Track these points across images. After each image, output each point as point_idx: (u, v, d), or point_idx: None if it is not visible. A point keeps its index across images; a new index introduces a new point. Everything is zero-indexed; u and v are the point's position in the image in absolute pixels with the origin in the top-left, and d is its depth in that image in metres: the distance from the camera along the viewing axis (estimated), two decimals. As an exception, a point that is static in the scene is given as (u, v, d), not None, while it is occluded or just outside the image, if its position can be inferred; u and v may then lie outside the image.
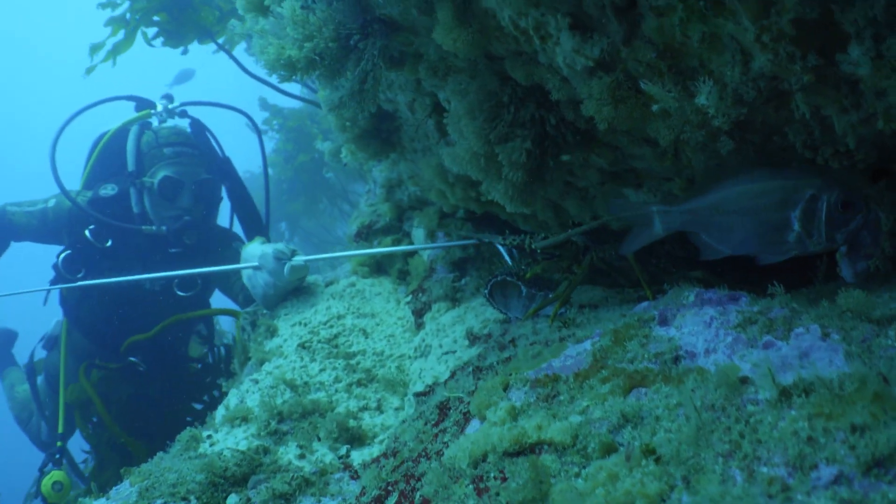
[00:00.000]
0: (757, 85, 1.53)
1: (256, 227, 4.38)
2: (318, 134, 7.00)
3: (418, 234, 2.96)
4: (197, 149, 4.19)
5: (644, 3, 1.51)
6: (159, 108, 4.44)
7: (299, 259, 3.00)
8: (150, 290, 4.21)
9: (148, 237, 4.06)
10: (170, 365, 4.31)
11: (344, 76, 1.99)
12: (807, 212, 1.63)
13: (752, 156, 1.74)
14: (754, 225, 1.69)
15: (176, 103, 4.49)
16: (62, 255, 4.15)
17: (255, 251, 3.22)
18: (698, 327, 1.54)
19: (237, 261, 3.79)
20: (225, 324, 5.23)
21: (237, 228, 4.50)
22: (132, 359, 4.17)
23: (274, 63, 1.89)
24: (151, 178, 4.07)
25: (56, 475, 3.77)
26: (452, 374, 2.12)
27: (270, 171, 8.78)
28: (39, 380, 4.72)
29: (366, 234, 3.22)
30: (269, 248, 3.09)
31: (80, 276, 4.09)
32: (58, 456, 4.01)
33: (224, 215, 4.53)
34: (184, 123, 4.40)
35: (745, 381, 1.31)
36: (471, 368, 2.05)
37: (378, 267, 3.11)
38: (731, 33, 1.46)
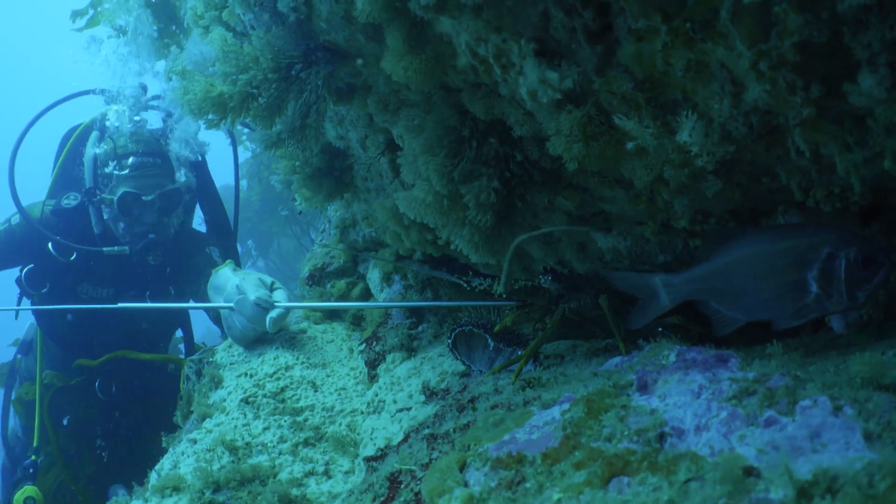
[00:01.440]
0: (748, 120, 1.27)
1: (223, 237, 3.96)
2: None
3: (374, 276, 2.65)
4: (160, 156, 3.64)
5: (621, 26, 1.24)
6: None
7: (281, 308, 2.49)
8: (118, 299, 3.75)
9: (111, 257, 3.58)
10: (130, 392, 3.89)
11: (284, 113, 1.69)
12: (825, 271, 1.37)
13: (738, 199, 1.47)
14: (769, 289, 1.43)
15: (149, 95, 3.95)
16: (25, 270, 3.74)
17: (228, 284, 2.67)
18: (685, 398, 1.26)
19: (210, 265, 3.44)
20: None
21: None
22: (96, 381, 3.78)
23: (201, 103, 1.58)
24: (111, 194, 3.55)
25: (28, 490, 3.43)
26: (406, 437, 1.81)
27: (243, 182, 8.18)
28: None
29: (318, 277, 2.91)
30: (248, 288, 2.53)
31: (44, 290, 3.71)
32: (31, 470, 3.61)
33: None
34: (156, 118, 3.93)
35: (750, 472, 1.02)
36: (426, 432, 1.74)
37: (332, 312, 2.80)
38: (722, 60, 1.20)
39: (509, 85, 1.46)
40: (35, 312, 3.84)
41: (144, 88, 3.97)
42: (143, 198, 3.50)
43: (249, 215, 7.76)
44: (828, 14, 1.07)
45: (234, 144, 4.31)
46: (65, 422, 3.86)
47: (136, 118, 3.83)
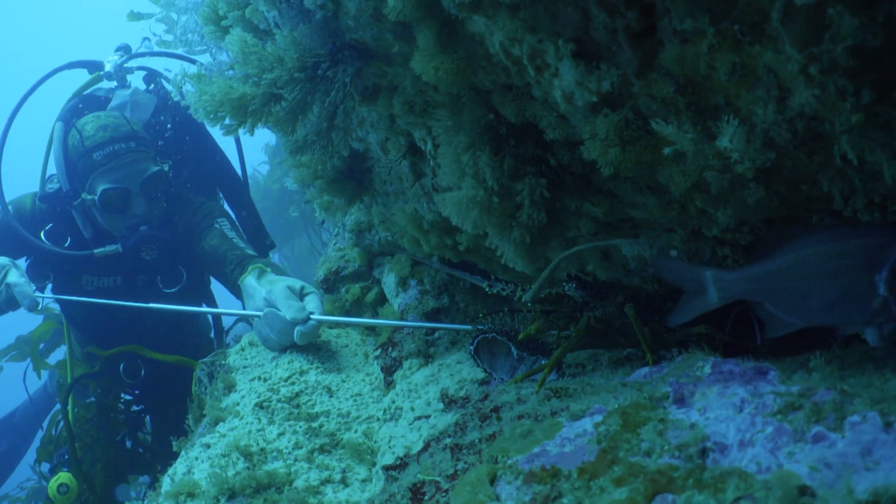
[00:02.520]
0: (793, 126, 1.22)
1: (251, 226, 3.68)
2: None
3: (389, 281, 2.60)
4: (133, 138, 3.28)
5: (665, 28, 1.19)
6: (108, 67, 3.67)
7: (313, 324, 2.35)
8: (136, 289, 3.59)
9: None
10: (158, 376, 3.74)
11: (308, 116, 1.63)
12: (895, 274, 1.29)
13: (776, 206, 1.42)
14: (832, 291, 1.35)
15: (125, 57, 3.70)
16: (26, 266, 3.54)
17: (255, 296, 2.51)
18: (727, 412, 1.20)
19: (219, 246, 3.28)
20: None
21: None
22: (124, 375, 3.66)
23: (219, 105, 1.51)
24: (91, 193, 3.27)
25: (63, 477, 3.31)
26: (426, 446, 1.76)
27: (265, 168, 7.77)
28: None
29: (333, 281, 2.85)
30: (279, 300, 2.38)
31: (48, 282, 3.58)
32: (66, 457, 3.52)
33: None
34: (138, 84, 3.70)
35: (804, 490, 0.97)
36: (448, 441, 1.69)
37: (345, 315, 2.74)
38: (769, 64, 1.15)
39: (543, 87, 1.41)
40: (57, 300, 3.72)
41: (127, 50, 3.78)
42: (126, 188, 3.23)
43: (269, 205, 7.42)
44: (884, 17, 1.03)
45: None
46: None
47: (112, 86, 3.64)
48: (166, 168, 3.41)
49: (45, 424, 3.95)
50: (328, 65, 1.53)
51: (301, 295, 2.47)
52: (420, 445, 1.79)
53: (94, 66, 3.83)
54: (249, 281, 2.61)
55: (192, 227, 3.45)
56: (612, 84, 1.28)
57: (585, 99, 1.33)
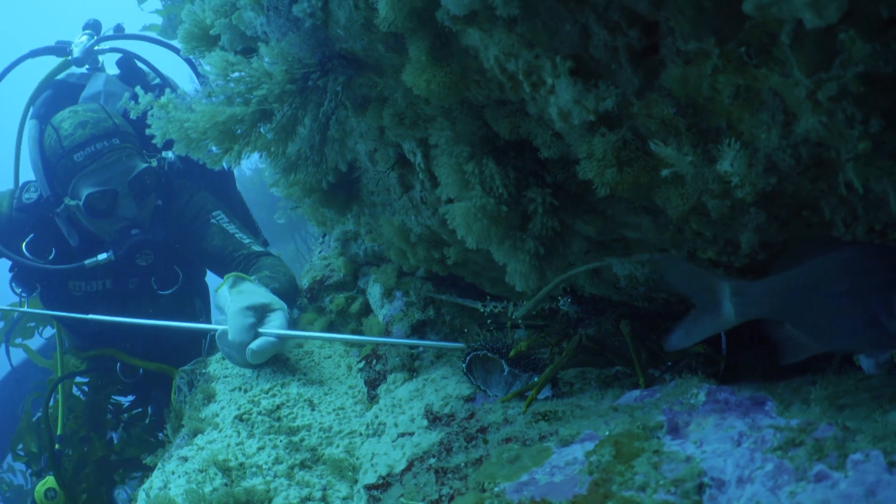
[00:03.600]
0: (797, 151, 1.17)
1: (227, 199, 3.41)
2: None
3: (374, 291, 2.53)
4: (116, 134, 2.97)
5: (668, 48, 1.14)
6: (76, 51, 3.36)
7: (263, 343, 2.17)
8: (127, 292, 3.33)
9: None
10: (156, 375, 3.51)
11: (299, 132, 1.56)
12: None
13: (774, 232, 1.37)
14: (856, 313, 1.19)
15: (94, 40, 3.40)
16: (11, 277, 3.29)
17: (225, 302, 2.33)
18: (724, 445, 1.15)
19: (223, 246, 3.08)
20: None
21: None
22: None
23: (203, 132, 1.41)
24: (75, 198, 2.96)
25: (50, 481, 3.14)
26: (410, 465, 1.70)
27: (248, 171, 7.50)
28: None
29: (317, 290, 2.78)
30: (230, 319, 2.19)
31: (35, 293, 3.33)
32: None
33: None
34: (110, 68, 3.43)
35: (807, 537, 0.92)
36: (432, 462, 1.63)
37: (329, 327, 2.67)
38: (775, 88, 1.10)
39: (538, 104, 1.35)
40: (44, 302, 3.44)
41: (97, 28, 3.52)
42: (113, 190, 2.93)
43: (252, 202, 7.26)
44: (898, 43, 0.98)
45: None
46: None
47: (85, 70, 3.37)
48: (154, 163, 3.11)
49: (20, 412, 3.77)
50: (318, 74, 1.46)
51: (264, 312, 2.29)
52: (403, 465, 1.72)
53: (61, 51, 3.51)
54: (223, 291, 2.41)
55: (186, 224, 3.21)
56: (613, 104, 1.22)
57: (583, 118, 1.28)
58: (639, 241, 1.64)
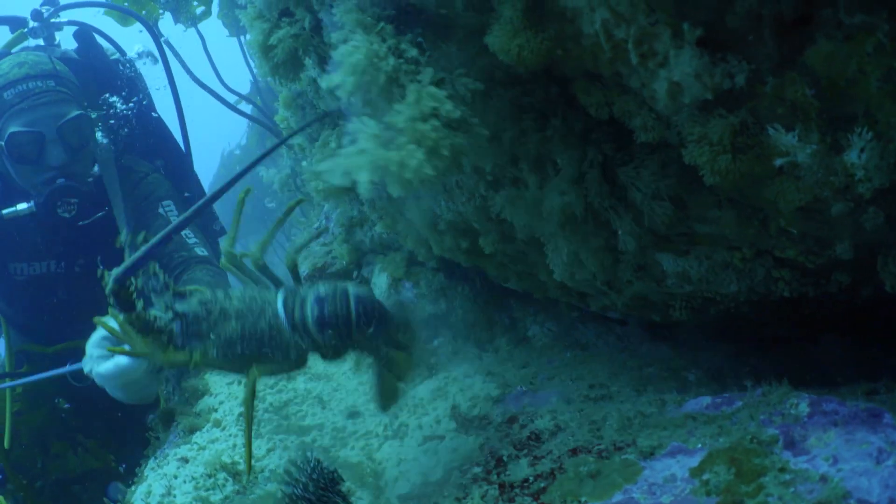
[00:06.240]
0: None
1: (181, 182, 3.06)
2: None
3: (381, 282, 2.33)
4: (53, 77, 2.66)
5: (827, 20, 0.98)
6: (32, 23, 3.03)
7: (110, 365, 1.83)
8: (74, 275, 2.93)
9: (26, 218, 2.65)
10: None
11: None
12: None
13: (886, 233, 1.24)
14: None
15: (51, 10, 3.05)
16: None
17: None
18: (864, 463, 1.01)
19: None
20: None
21: None
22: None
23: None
24: (0, 138, 2.60)
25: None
26: (448, 475, 1.51)
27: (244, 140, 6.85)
28: None
29: (318, 279, 2.55)
30: (90, 345, 1.90)
31: None
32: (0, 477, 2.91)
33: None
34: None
35: None
36: (477, 471, 1.45)
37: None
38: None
39: (641, 77, 1.18)
40: None
41: (55, 2, 3.14)
42: (39, 132, 2.57)
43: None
44: None
45: (163, 53, 3.26)
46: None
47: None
48: (94, 115, 2.76)
49: None
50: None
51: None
52: (440, 473, 1.54)
53: (16, 23, 3.15)
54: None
55: (133, 205, 2.84)
56: (744, 80, 1.07)
57: (698, 95, 1.12)
58: (709, 235, 1.49)
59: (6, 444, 2.92)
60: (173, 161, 3.20)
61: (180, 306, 1.46)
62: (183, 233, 2.70)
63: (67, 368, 2.16)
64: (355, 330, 1.46)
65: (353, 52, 1.14)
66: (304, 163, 3.51)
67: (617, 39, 1.16)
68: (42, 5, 3.15)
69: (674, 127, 1.23)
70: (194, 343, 1.44)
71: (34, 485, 2.98)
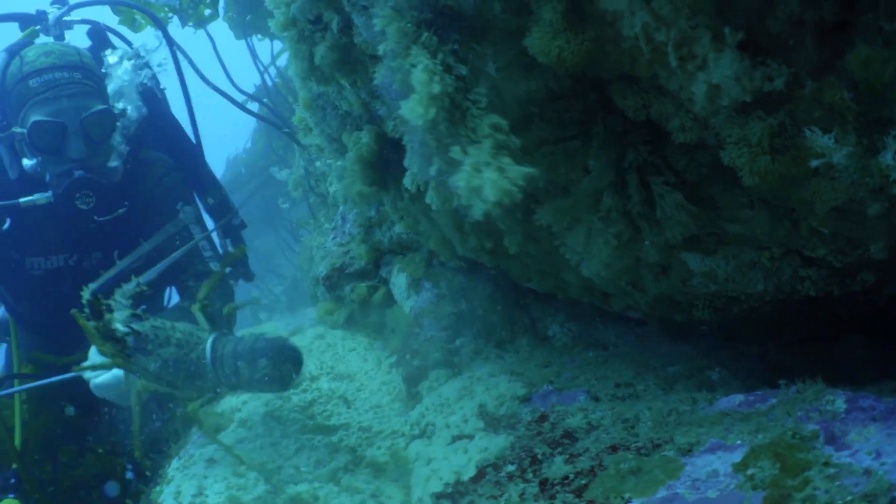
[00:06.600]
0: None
1: (196, 182, 3.05)
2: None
3: (399, 281, 2.35)
4: (80, 69, 2.68)
5: (867, 26, 1.01)
6: (52, 12, 3.05)
7: (108, 376, 2.11)
8: (90, 268, 2.88)
9: (43, 210, 2.65)
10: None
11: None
12: None
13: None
14: None
15: (65, 10, 3.04)
16: None
17: None
18: (907, 459, 1.04)
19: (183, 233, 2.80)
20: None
21: None
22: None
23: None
24: (23, 126, 2.62)
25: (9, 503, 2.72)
26: (481, 472, 1.54)
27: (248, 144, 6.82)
28: None
29: (336, 279, 2.57)
30: (92, 355, 2.14)
31: None
32: (13, 480, 2.83)
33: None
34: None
35: None
36: (512, 470, 1.47)
37: (350, 318, 2.47)
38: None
39: (679, 80, 1.21)
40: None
41: (64, 1, 3.13)
42: (62, 123, 2.59)
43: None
44: None
45: (173, 49, 3.22)
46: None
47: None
48: (117, 110, 2.77)
49: None
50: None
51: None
52: (472, 471, 1.56)
53: (26, 20, 3.13)
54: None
55: (154, 202, 2.88)
56: (783, 84, 1.10)
57: (735, 97, 1.15)
58: (740, 236, 1.52)
59: (17, 445, 2.92)
60: (184, 153, 3.20)
61: (136, 325, 1.88)
62: (200, 245, 2.75)
63: (69, 375, 2.22)
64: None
65: (424, 86, 1.17)
66: (317, 163, 3.56)
67: (656, 42, 1.19)
68: (52, 3, 3.16)
69: (711, 128, 1.26)
70: (139, 356, 1.86)
71: (46, 490, 2.97)
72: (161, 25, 3.33)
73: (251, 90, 4.76)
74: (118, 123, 2.74)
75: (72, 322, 2.99)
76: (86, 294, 1.88)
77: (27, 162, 2.66)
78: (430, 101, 1.13)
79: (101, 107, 2.65)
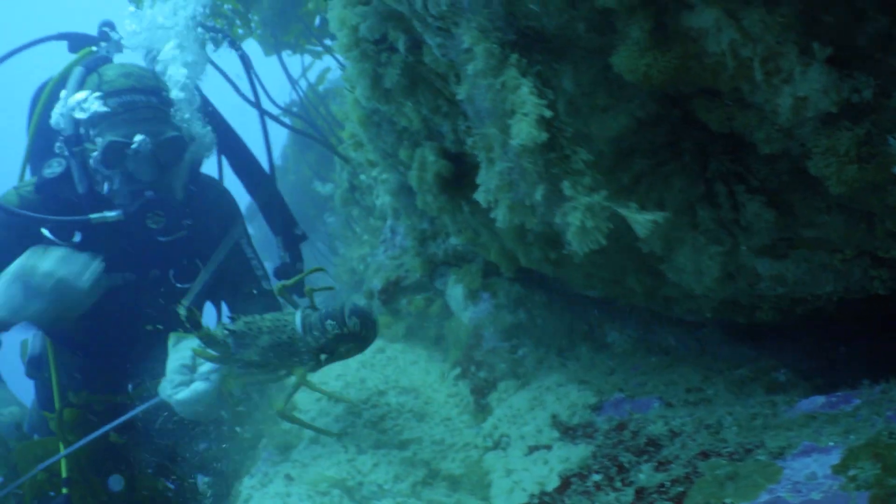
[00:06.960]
0: None
1: (280, 222, 3.14)
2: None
3: (455, 293, 2.39)
4: (156, 94, 2.77)
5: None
6: (113, 35, 3.13)
7: (188, 392, 2.15)
8: (141, 285, 2.97)
9: (112, 227, 2.69)
10: None
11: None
12: None
13: None
14: None
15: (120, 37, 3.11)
16: None
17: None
18: None
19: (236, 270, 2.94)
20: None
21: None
22: None
23: None
24: (94, 144, 2.68)
25: None
26: (566, 482, 1.58)
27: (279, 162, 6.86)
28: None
29: (392, 292, 2.62)
30: (169, 372, 2.21)
31: None
32: None
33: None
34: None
35: None
36: (597, 479, 1.51)
37: (408, 331, 2.52)
38: None
39: (763, 93, 1.25)
40: None
41: (112, 26, 3.21)
42: (136, 146, 2.64)
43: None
44: None
45: (248, 64, 3.39)
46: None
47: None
48: (188, 137, 2.85)
49: None
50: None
51: (193, 367, 2.27)
52: (556, 481, 1.60)
53: (77, 40, 3.21)
54: (169, 346, 2.37)
55: (211, 221, 2.97)
56: (871, 94, 1.13)
57: (822, 108, 1.19)
58: (814, 239, 1.56)
59: (63, 474, 2.96)
60: (258, 181, 3.28)
61: (231, 326, 2.08)
62: (252, 261, 2.88)
63: (146, 405, 2.28)
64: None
65: (535, 107, 1.23)
66: (362, 176, 3.61)
67: (742, 58, 1.22)
68: (102, 26, 3.23)
69: (796, 139, 1.29)
70: (242, 352, 2.04)
71: None
72: (237, 46, 3.41)
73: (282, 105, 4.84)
74: (187, 151, 2.83)
75: (124, 343, 3.07)
76: (181, 309, 2.03)
77: (97, 178, 2.73)
78: (540, 124, 1.18)
79: (173, 133, 2.74)
